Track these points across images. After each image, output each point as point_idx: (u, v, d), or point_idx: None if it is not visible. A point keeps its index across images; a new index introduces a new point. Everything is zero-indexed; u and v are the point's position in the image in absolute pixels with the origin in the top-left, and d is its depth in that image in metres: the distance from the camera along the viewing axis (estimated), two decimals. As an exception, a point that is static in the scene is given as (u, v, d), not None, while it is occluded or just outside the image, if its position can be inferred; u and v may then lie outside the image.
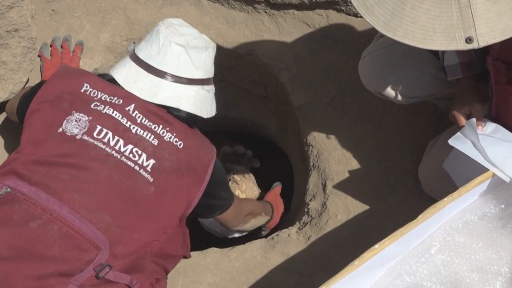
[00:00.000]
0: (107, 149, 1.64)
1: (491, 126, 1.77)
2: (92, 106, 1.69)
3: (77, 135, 1.65)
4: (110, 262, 1.56)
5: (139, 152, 1.66)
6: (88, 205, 1.58)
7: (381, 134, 2.37)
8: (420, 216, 1.47)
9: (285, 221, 2.56)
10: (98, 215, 1.58)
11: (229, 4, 2.69)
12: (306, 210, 2.35)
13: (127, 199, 1.62)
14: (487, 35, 1.35)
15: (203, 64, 1.81)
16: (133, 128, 1.69)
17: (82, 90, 1.73)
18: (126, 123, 1.69)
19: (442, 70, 1.92)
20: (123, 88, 1.76)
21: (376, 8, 1.43)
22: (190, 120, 1.82)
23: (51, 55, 2.46)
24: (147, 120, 1.71)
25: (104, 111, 1.69)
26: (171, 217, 1.69)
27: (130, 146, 1.66)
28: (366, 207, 2.21)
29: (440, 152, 2.00)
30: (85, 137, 1.64)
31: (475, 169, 1.62)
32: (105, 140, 1.65)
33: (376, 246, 1.41)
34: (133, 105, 1.72)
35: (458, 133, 1.73)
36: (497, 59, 1.71)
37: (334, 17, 2.60)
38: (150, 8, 2.67)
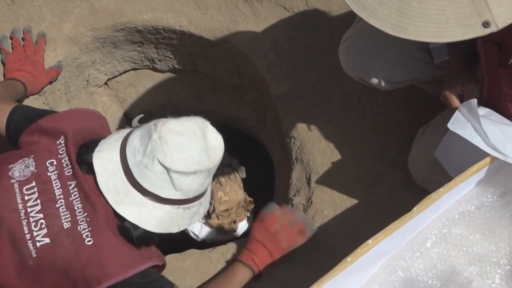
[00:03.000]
0: (20, 205, 1.72)
1: (484, 110, 1.75)
2: (47, 162, 1.78)
3: (13, 179, 1.76)
4: None
5: (43, 226, 1.69)
6: None
7: (367, 123, 2.36)
8: (415, 208, 1.47)
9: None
10: None
11: (201, -12, 2.66)
12: (290, 206, 2.33)
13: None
14: (503, 15, 1.34)
15: (186, 187, 1.70)
16: (60, 202, 1.72)
17: (58, 142, 1.81)
18: (59, 195, 1.73)
19: (428, 52, 1.92)
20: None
21: (380, 9, 1.40)
22: (142, 237, 1.74)
23: (12, 48, 2.43)
24: (78, 202, 1.72)
25: (49, 174, 1.76)
26: None
27: (39, 216, 1.70)
28: (354, 200, 2.21)
29: (431, 140, 2.00)
30: (15, 185, 1.75)
31: (469, 156, 1.62)
32: (27, 197, 1.73)
33: (370, 241, 1.40)
34: (75, 182, 1.74)
35: (458, 115, 1.69)
36: (488, 41, 1.70)
37: (313, -1, 2.59)
38: (116, -6, 2.64)
